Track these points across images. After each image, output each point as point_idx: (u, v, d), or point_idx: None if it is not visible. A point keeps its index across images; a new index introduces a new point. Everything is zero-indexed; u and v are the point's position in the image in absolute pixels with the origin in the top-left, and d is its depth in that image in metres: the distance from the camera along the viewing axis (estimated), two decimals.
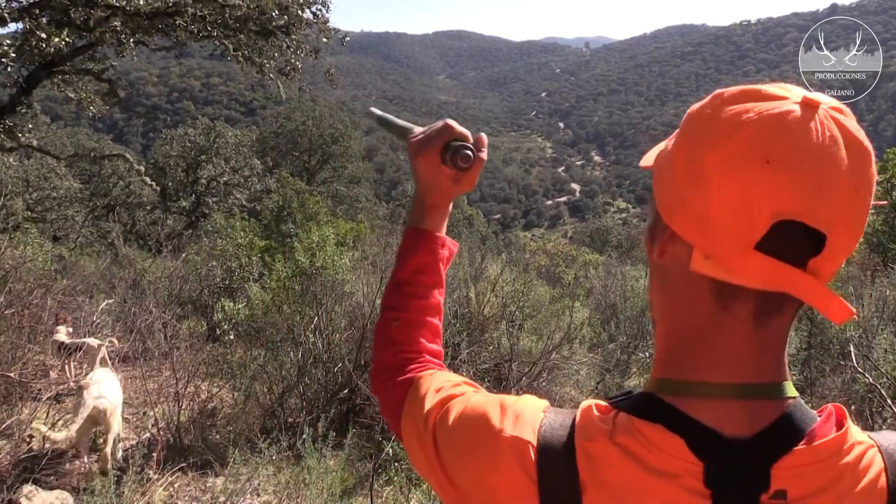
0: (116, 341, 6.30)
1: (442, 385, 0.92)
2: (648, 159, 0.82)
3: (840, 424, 0.73)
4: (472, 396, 0.87)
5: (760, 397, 0.72)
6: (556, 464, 0.73)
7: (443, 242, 1.10)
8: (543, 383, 6.29)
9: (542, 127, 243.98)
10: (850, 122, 0.67)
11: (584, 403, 0.78)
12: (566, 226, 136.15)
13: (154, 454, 4.72)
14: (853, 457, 0.70)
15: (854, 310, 0.67)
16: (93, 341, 6.60)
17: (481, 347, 6.43)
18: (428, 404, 0.89)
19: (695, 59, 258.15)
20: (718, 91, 0.72)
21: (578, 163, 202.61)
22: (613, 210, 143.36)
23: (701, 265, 0.70)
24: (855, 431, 0.73)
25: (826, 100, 0.68)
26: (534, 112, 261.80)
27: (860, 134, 0.67)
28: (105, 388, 5.07)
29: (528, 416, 0.78)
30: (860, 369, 4.18)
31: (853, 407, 4.52)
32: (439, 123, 1.08)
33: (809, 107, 0.66)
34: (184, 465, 5.03)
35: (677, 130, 0.76)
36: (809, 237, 0.65)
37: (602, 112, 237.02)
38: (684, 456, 0.69)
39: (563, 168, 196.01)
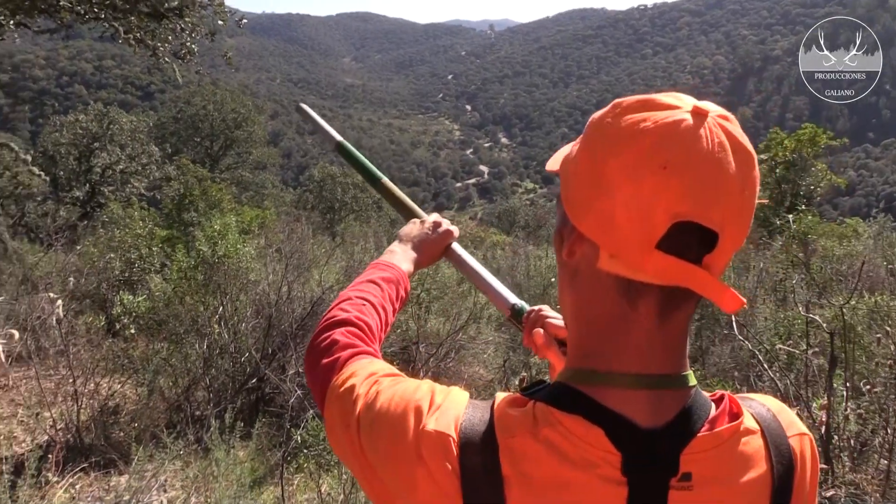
0: (16, 333, 5.97)
1: (376, 371, 0.92)
2: (554, 163, 0.87)
3: (733, 412, 0.79)
4: (402, 384, 0.87)
5: (666, 387, 0.77)
6: (478, 459, 0.75)
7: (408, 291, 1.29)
8: (451, 364, 6.40)
9: (449, 109, 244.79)
10: (736, 128, 0.73)
11: (498, 396, 0.81)
12: (475, 207, 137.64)
13: (52, 456, 4.55)
14: (747, 444, 0.78)
15: (744, 300, 0.74)
16: None
17: (390, 330, 6.49)
18: (359, 388, 0.88)
19: (595, 41, 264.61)
20: (618, 101, 0.77)
21: (486, 145, 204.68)
22: (521, 191, 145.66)
23: (607, 264, 0.75)
24: (747, 418, 0.79)
25: (713, 108, 0.74)
26: (441, 95, 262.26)
27: (744, 139, 0.73)
28: None
29: (450, 410, 0.79)
30: (742, 338, 4.45)
31: (737, 373, 4.81)
32: (454, 231, 1.42)
33: (699, 115, 0.72)
34: (85, 465, 4.87)
35: (580, 136, 0.80)
36: (704, 236, 0.71)
37: (508, 94, 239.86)
38: (603, 446, 0.73)
39: (471, 150, 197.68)
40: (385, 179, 1.50)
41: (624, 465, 0.73)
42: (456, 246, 1.40)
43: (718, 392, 0.82)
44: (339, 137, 1.54)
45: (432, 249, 1.38)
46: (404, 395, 0.83)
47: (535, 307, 1.26)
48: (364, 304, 1.12)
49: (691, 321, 0.80)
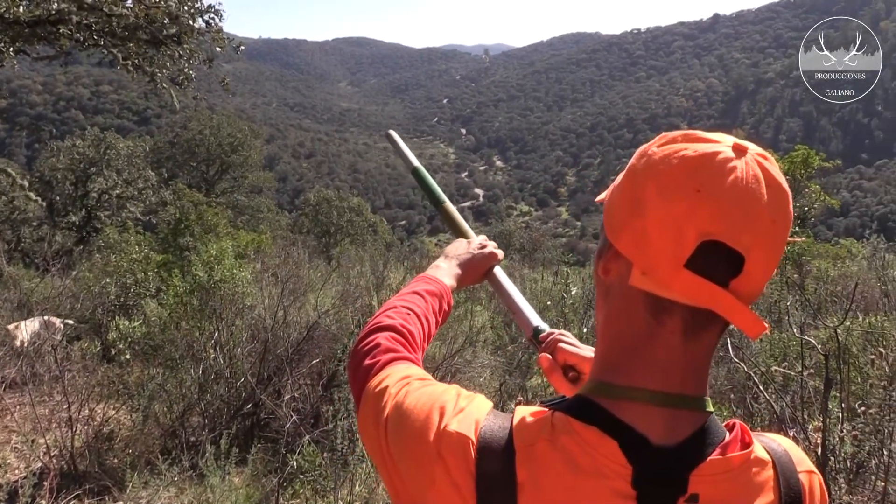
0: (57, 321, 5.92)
1: (410, 374, 0.96)
2: (604, 195, 0.91)
3: (744, 441, 0.82)
4: (431, 386, 0.91)
5: (683, 407, 0.79)
6: (495, 463, 0.77)
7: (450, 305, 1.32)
8: None
9: (444, 133, 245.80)
10: (773, 167, 0.77)
11: (520, 409, 0.84)
12: None
13: (46, 483, 4.52)
14: (757, 473, 0.80)
15: (766, 326, 0.77)
16: None
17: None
18: (392, 389, 0.92)
19: (589, 65, 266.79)
20: (665, 133, 0.82)
21: (481, 168, 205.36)
22: (516, 213, 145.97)
23: (638, 280, 0.78)
24: (758, 448, 0.82)
25: (753, 147, 0.78)
26: (436, 118, 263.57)
27: (780, 177, 0.77)
28: None
29: (472, 414, 0.82)
30: (737, 360, 4.46)
31: (732, 395, 4.81)
32: (499, 254, 1.45)
33: (739, 150, 0.77)
34: (79, 492, 4.83)
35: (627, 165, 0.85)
36: (731, 259, 0.74)
37: (503, 118, 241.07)
38: (616, 458, 0.76)
39: (466, 173, 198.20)
40: (448, 203, 1.58)
41: (634, 480, 0.75)
42: (497, 270, 1.44)
43: (731, 420, 0.85)
44: (416, 163, 1.63)
45: (476, 269, 1.41)
46: (431, 396, 0.87)
47: (556, 330, 1.30)
48: (409, 314, 1.15)
49: (716, 347, 0.83)
